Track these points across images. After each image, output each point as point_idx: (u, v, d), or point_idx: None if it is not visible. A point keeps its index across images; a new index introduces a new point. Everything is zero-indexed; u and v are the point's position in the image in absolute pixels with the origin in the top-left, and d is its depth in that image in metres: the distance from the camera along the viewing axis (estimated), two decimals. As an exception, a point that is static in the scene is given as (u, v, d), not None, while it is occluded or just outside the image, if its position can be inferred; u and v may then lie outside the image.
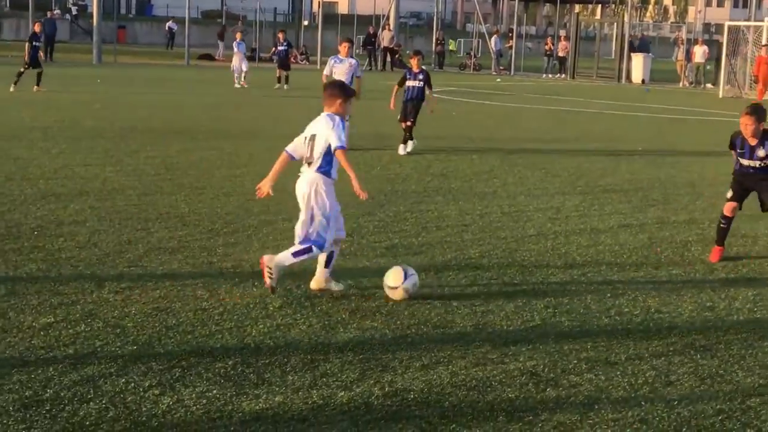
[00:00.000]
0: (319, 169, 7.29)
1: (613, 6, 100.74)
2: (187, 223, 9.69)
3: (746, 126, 9.00)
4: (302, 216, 7.32)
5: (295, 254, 7.24)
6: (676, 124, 24.60)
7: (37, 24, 28.52)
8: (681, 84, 44.35)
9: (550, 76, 48.21)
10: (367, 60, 48.92)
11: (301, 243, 7.29)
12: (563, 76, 48.14)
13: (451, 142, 17.65)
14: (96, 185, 11.62)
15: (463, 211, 10.99)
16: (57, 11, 54.16)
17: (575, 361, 6.13)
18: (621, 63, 46.38)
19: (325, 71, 16.13)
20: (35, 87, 25.42)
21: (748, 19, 50.47)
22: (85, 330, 6.33)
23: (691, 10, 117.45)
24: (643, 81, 45.00)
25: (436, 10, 58.63)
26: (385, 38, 48.89)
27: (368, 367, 5.88)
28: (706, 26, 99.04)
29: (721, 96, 36.95)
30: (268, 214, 10.28)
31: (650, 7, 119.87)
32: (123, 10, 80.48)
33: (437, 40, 52.13)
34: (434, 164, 14.81)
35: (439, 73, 45.99)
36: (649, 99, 33.59)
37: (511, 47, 51.27)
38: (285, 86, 30.48)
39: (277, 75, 31.57)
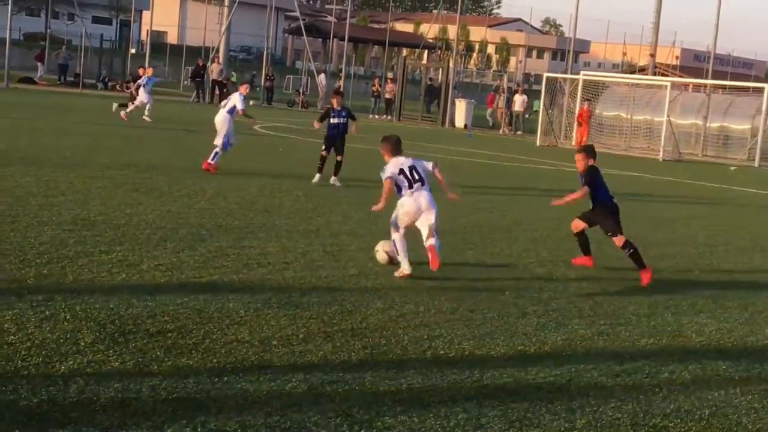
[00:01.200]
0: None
1: (439, 51, 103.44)
2: (-3, 253, 9.31)
3: (578, 161, 11.27)
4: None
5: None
6: (495, 169, 25.32)
7: None
8: (501, 131, 45.73)
9: (376, 116, 48.89)
10: (195, 92, 48.47)
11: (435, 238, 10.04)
12: (389, 117, 48.91)
13: (273, 179, 17.62)
14: None
15: (285, 249, 10.97)
16: None
17: (390, 403, 6.18)
18: (445, 107, 47.51)
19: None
20: None
21: (565, 72, 52.61)
22: None
23: (513, 60, 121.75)
24: (465, 126, 46.19)
25: (266, 45, 58.67)
26: (214, 71, 48.53)
27: (181, 407, 5.76)
28: (526, 76, 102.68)
29: (538, 144, 38.32)
30: (84, 245, 9.99)
31: (474, 55, 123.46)
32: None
33: (267, 75, 52.13)
34: (259, 200, 14.75)
35: (267, 109, 45.97)
36: (471, 144, 34.48)
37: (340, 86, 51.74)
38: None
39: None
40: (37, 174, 15.09)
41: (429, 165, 10.59)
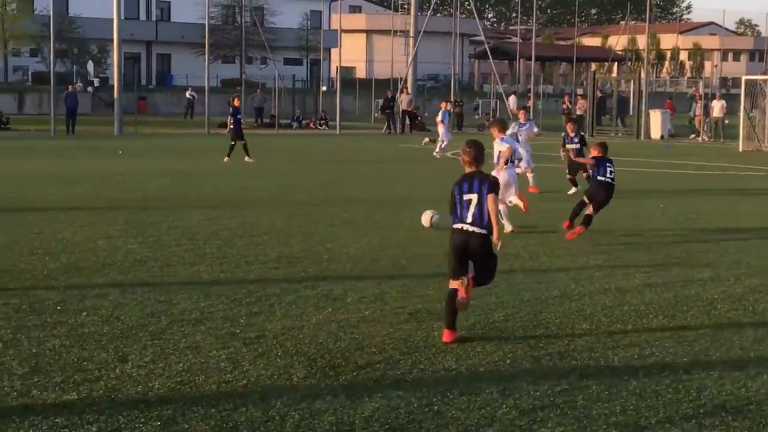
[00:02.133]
0: None
1: (629, 63, 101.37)
2: (209, 294, 9.67)
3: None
4: None
5: None
6: (696, 179, 24.52)
7: (236, 99, 30.26)
8: (700, 139, 44.31)
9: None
10: (386, 124, 49.18)
11: None
12: (582, 133, 48.26)
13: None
14: (118, 257, 11.65)
15: (485, 274, 10.91)
16: (78, 84, 54.79)
17: (604, 426, 6.03)
18: (639, 119, 46.45)
19: None
20: (246, 158, 26.94)
21: (765, 72, 50.50)
22: (109, 407, 6.29)
23: (708, 64, 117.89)
24: (661, 137, 45.02)
25: (452, 72, 59.04)
26: (403, 101, 49.16)
27: (394, 437, 5.80)
28: (723, 81, 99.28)
29: (741, 150, 36.89)
30: (290, 282, 10.26)
31: (666, 63, 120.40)
32: (143, 81, 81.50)
33: (455, 101, 52.40)
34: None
35: (458, 135, 46.18)
36: (669, 154, 33.56)
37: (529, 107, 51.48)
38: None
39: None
40: (240, 215, 15.63)
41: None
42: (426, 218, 14.17)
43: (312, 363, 7.32)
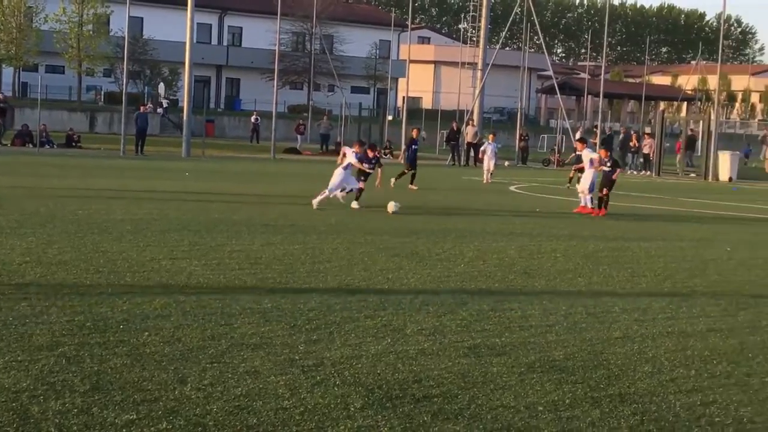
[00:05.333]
0: None
1: (699, 103, 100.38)
2: (269, 319, 9.71)
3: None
4: None
5: None
6: (765, 224, 24.13)
7: (415, 130, 32.66)
8: (770, 182, 43.68)
9: (634, 172, 47.90)
10: (450, 155, 49.18)
11: None
12: (648, 173, 47.79)
13: (531, 240, 17.53)
14: (181, 279, 11.76)
15: (546, 311, 10.84)
16: (149, 105, 55.74)
17: (664, 473, 5.92)
18: (708, 160, 45.93)
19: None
20: (410, 185, 29.00)
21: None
22: (167, 428, 6.33)
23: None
24: (730, 179, 44.45)
25: (519, 105, 58.96)
26: (468, 134, 49.17)
27: (450, 473, 5.75)
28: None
29: (811, 194, 36.26)
30: (350, 311, 10.27)
31: (737, 104, 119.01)
32: (212, 104, 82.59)
33: (521, 135, 52.26)
34: (518, 261, 14.69)
35: (522, 169, 46.02)
36: (737, 197, 33.10)
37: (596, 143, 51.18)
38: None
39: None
40: (304, 241, 15.70)
41: None
42: (390, 207, 20.37)
43: (369, 393, 7.30)
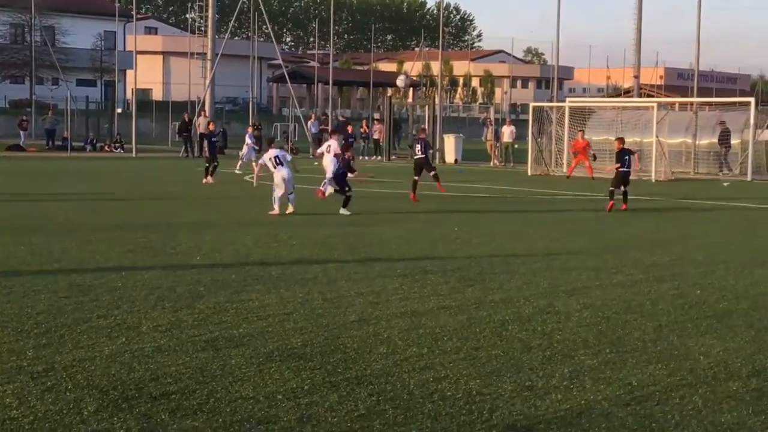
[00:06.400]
0: None
1: (424, 88, 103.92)
2: (-6, 326, 9.22)
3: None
4: None
5: None
6: (488, 202, 25.31)
7: (211, 123, 35.25)
8: (492, 163, 45.77)
9: (366, 158, 48.96)
10: (184, 147, 48.53)
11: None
12: (379, 158, 48.98)
13: (268, 230, 17.58)
14: None
15: (284, 299, 10.90)
16: None
17: (401, 450, 6.09)
18: (434, 144, 47.55)
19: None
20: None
21: (551, 100, 52.82)
22: None
23: (498, 91, 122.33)
24: (456, 161, 46.26)
25: (251, 95, 58.88)
26: (201, 124, 48.61)
27: (190, 470, 5.68)
28: (513, 107, 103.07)
29: (530, 174, 38.35)
30: (82, 311, 9.92)
31: (459, 89, 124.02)
32: None
33: (254, 125, 52.25)
34: (254, 252, 14.68)
35: (259, 156, 45.98)
36: (463, 178, 34.52)
37: (326, 130, 51.90)
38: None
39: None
40: (30, 242, 15.03)
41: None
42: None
43: (104, 395, 7.09)
